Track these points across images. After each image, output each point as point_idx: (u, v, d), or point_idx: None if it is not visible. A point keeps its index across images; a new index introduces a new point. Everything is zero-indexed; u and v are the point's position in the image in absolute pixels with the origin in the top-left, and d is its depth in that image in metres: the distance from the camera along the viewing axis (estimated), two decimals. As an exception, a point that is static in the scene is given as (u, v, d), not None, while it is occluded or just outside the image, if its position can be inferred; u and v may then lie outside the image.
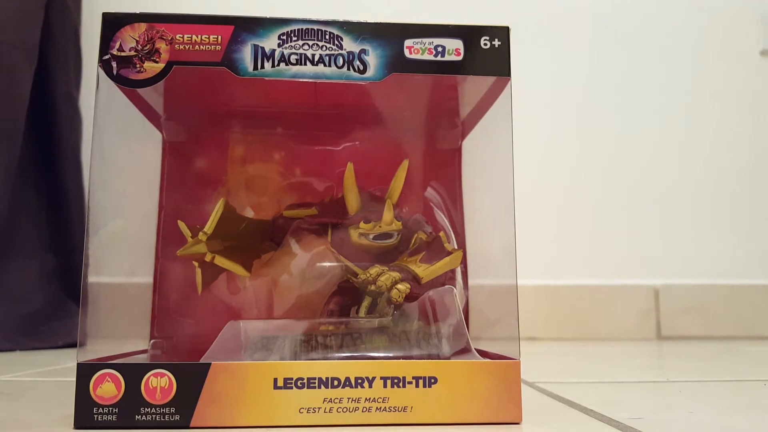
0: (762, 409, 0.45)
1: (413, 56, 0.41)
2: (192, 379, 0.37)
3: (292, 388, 0.37)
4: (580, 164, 1.27)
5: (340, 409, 0.37)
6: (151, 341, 0.49)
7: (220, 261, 0.46)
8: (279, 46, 0.40)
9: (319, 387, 0.37)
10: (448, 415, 0.38)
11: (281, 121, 0.52)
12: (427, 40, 0.41)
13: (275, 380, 0.37)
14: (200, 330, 0.48)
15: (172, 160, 0.52)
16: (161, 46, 0.39)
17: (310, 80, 0.40)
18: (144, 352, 0.48)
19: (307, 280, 0.46)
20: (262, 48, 0.40)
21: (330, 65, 0.40)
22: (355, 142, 0.52)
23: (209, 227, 0.46)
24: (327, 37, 0.40)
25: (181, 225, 0.46)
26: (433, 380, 0.38)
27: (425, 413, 0.38)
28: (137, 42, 0.39)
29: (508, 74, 0.42)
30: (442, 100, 0.50)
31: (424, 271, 0.44)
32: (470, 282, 0.49)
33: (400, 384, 0.38)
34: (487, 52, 0.41)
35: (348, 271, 0.45)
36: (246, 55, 0.40)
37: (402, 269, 0.44)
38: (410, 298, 0.43)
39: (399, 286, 0.43)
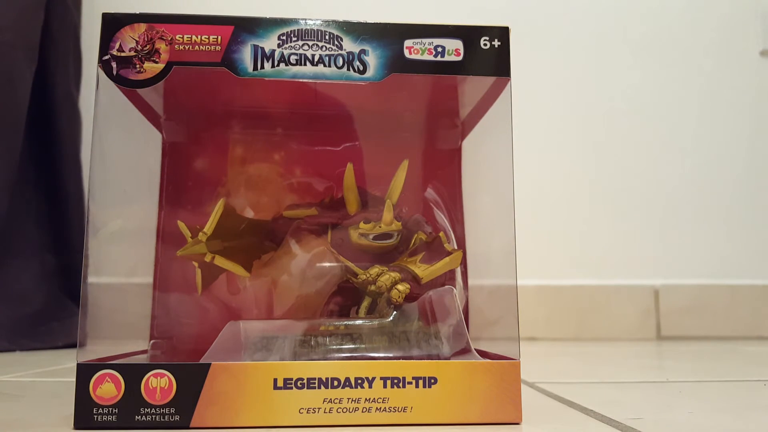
0: (762, 409, 0.44)
1: (413, 56, 0.41)
2: (192, 380, 0.37)
3: (292, 388, 0.37)
4: (580, 164, 1.27)
5: (340, 410, 0.37)
6: (151, 341, 0.49)
7: (220, 261, 0.46)
8: (279, 46, 0.40)
9: (319, 387, 0.37)
10: (448, 416, 0.38)
11: (281, 121, 0.52)
12: (426, 41, 0.41)
13: (275, 380, 0.37)
14: (200, 330, 0.48)
15: (172, 160, 0.52)
16: (161, 46, 0.39)
17: (310, 80, 0.40)
18: (144, 352, 0.48)
19: (307, 280, 0.46)
20: (262, 48, 0.40)
21: (330, 65, 0.40)
22: (355, 142, 0.52)
23: (209, 227, 0.46)
24: (327, 37, 0.40)
25: (181, 225, 0.46)
26: (432, 380, 0.38)
27: (425, 413, 0.38)
28: (137, 42, 0.39)
29: (508, 74, 0.41)
30: (441, 100, 0.49)
31: (424, 271, 0.44)
32: (470, 282, 0.49)
33: (400, 384, 0.38)
34: (486, 53, 0.41)
35: (348, 271, 0.45)
36: (246, 55, 0.40)
37: (402, 269, 0.44)
38: (410, 298, 0.43)
39: (399, 286, 0.43)
